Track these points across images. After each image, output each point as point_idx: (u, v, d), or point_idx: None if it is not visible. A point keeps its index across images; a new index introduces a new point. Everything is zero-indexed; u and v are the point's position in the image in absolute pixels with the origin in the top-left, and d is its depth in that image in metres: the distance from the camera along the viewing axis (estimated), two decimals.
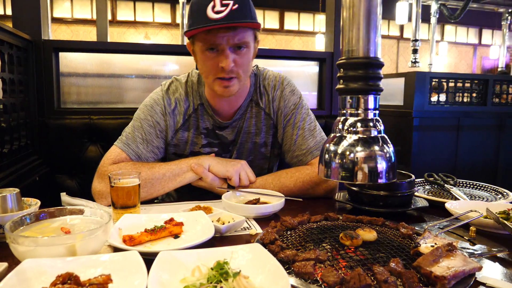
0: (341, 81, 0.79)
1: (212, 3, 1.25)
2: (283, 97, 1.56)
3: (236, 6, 1.25)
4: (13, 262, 0.80)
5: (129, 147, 1.44)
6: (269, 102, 1.57)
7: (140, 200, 1.20)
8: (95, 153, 1.99)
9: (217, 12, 1.24)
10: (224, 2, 1.25)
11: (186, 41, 1.46)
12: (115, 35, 8.91)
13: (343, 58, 0.78)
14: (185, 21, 4.47)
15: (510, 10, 5.90)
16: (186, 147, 1.55)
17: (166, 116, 1.50)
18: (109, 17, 8.14)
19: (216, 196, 1.41)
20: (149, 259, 0.76)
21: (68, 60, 2.14)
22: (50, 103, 2.03)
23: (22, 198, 1.07)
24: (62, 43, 2.14)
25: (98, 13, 3.69)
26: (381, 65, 0.77)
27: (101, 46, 2.30)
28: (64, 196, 1.25)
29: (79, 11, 8.71)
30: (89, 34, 8.76)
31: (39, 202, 1.09)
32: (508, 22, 6.04)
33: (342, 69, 0.79)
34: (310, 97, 2.57)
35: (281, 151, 1.62)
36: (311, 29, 10.16)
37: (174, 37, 9.34)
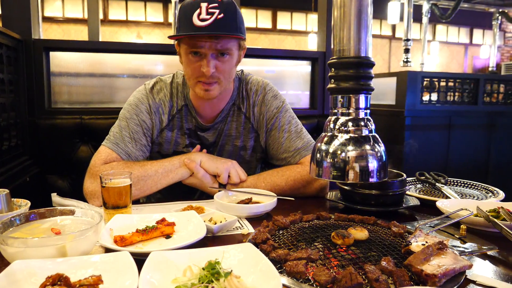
0: (332, 80, 0.79)
1: (198, 11, 1.28)
2: (264, 102, 1.58)
3: (221, 15, 1.28)
4: (3, 263, 0.79)
5: (119, 147, 1.44)
6: (250, 107, 1.59)
7: (133, 198, 1.20)
8: (86, 153, 1.97)
9: (202, 20, 1.27)
10: (210, 10, 1.28)
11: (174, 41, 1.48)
12: (107, 34, 8.85)
13: (334, 57, 0.78)
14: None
15: (500, 10, 5.96)
16: (170, 146, 1.56)
17: (151, 115, 1.51)
18: (101, 16, 8.09)
19: (208, 196, 1.41)
20: (140, 259, 0.76)
21: (59, 60, 2.12)
22: (41, 103, 2.01)
23: (12, 199, 1.06)
24: (53, 43, 2.12)
25: (90, 12, 3.66)
26: (372, 64, 0.77)
27: (92, 46, 2.28)
28: (55, 197, 1.25)
29: (71, 10, 8.63)
30: (80, 33, 8.69)
31: (29, 203, 1.09)
32: (499, 22, 6.10)
33: (333, 69, 0.79)
34: (302, 96, 2.58)
35: (267, 155, 1.64)
36: (304, 28, 10.17)
37: (166, 37, 9.28)
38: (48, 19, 8.50)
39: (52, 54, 2.09)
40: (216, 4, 1.29)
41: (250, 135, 1.60)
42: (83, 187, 1.38)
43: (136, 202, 1.42)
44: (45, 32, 8.47)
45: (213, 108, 1.55)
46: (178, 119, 1.55)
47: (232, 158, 1.55)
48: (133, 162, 1.41)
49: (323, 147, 0.79)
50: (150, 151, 1.55)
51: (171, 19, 8.72)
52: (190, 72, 1.39)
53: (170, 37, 1.37)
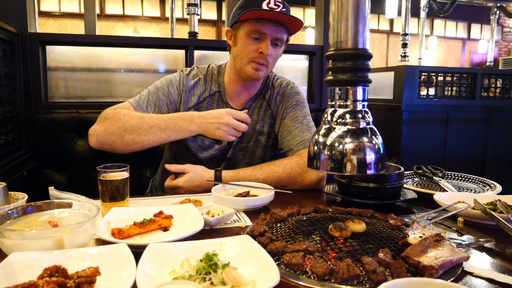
0: (330, 72, 0.79)
1: (267, 0, 1.45)
2: (287, 93, 1.71)
3: (284, 9, 1.48)
4: (0, 256, 0.79)
5: (139, 105, 1.51)
6: (273, 96, 1.72)
7: (127, 147, 1.37)
8: (83, 148, 1.97)
9: (271, 8, 1.45)
10: (277, 3, 1.47)
11: (224, 29, 1.67)
12: (103, 29, 8.80)
13: (331, 49, 0.78)
14: (174, 15, 4.43)
15: (498, 5, 5.94)
16: None
17: (181, 92, 1.61)
18: (98, 10, 8.04)
19: (206, 190, 1.42)
20: (138, 252, 0.76)
21: (56, 54, 2.11)
22: (38, 97, 2.01)
23: (9, 192, 1.06)
24: (49, 36, 2.10)
25: (86, 6, 3.63)
26: (369, 56, 0.77)
27: (89, 40, 2.27)
28: (52, 190, 1.24)
29: (67, 5, 8.58)
30: (77, 28, 8.64)
31: (26, 196, 1.08)
32: (497, 17, 6.08)
33: (331, 61, 0.78)
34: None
35: (277, 140, 1.71)
36: None
37: (163, 31, 9.26)
38: (44, 14, 8.45)
39: (49, 48, 2.08)
40: (280, 0, 1.48)
41: (268, 120, 1.70)
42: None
43: (135, 194, 1.41)
44: (42, 27, 8.42)
45: (246, 93, 1.67)
46: (209, 103, 1.64)
47: (251, 142, 1.67)
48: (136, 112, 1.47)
49: (321, 139, 0.79)
50: None
51: (168, 13, 8.69)
52: (247, 52, 1.52)
53: (241, 14, 1.47)
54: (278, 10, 1.45)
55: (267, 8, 1.44)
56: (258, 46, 1.50)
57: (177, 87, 1.60)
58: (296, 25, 1.52)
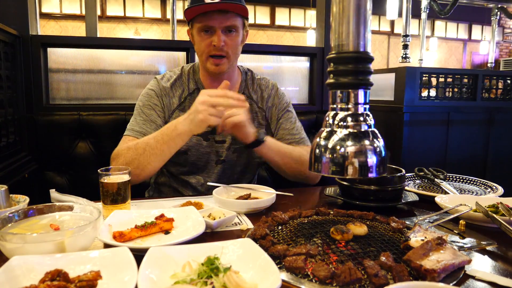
0: (331, 75, 0.79)
1: None
2: (277, 95, 1.74)
3: None
4: (1, 259, 0.79)
5: (133, 131, 1.52)
6: (262, 98, 1.72)
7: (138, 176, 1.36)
8: (84, 150, 1.97)
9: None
10: None
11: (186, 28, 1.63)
12: (104, 30, 8.81)
13: (333, 52, 0.78)
14: (176, 16, 4.43)
15: (499, 6, 5.93)
16: None
17: (161, 98, 1.60)
18: (99, 12, 8.05)
19: (207, 192, 1.41)
20: (139, 255, 0.76)
21: (57, 56, 2.11)
22: (39, 99, 2.01)
23: (11, 195, 1.06)
24: (50, 38, 2.11)
25: (87, 8, 3.63)
26: (371, 59, 0.77)
27: (90, 42, 2.27)
28: (53, 193, 1.24)
29: (68, 6, 8.59)
30: (78, 29, 8.65)
31: (27, 199, 1.08)
32: (498, 18, 6.07)
33: (332, 64, 0.78)
34: (300, 92, 2.57)
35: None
36: (302, 24, 10.13)
37: (164, 33, 9.26)
38: (45, 16, 8.46)
39: (50, 50, 2.08)
40: None
41: (263, 121, 1.71)
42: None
43: (136, 197, 1.41)
44: (43, 28, 8.43)
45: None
46: (190, 101, 1.61)
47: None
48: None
49: (322, 142, 0.79)
50: None
51: (169, 15, 8.68)
52: (202, 48, 1.52)
53: (185, 11, 1.50)
54: None
55: (209, 0, 1.42)
56: (211, 39, 1.49)
57: (156, 95, 1.59)
58: (243, 8, 1.50)
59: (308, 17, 10.08)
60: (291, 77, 2.55)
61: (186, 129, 1.33)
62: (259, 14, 9.87)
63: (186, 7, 1.51)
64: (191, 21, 1.54)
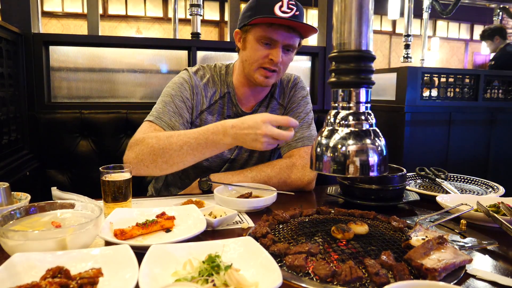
0: (333, 74, 0.79)
1: (280, 3, 1.39)
2: (295, 88, 1.69)
3: (298, 12, 1.41)
4: (3, 256, 0.79)
5: (162, 120, 1.43)
6: (282, 94, 1.69)
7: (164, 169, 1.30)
8: (86, 148, 1.97)
9: (283, 12, 1.38)
10: (290, 6, 1.40)
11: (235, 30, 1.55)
12: (106, 29, 8.82)
13: (335, 51, 0.78)
14: (177, 15, 4.43)
15: (501, 6, 5.93)
16: None
17: (194, 95, 1.53)
18: (100, 11, 8.06)
19: (208, 190, 1.41)
20: (140, 253, 0.76)
21: (59, 54, 2.11)
22: (41, 97, 2.01)
23: (12, 193, 1.06)
24: (52, 37, 2.11)
25: (89, 7, 3.64)
26: (373, 58, 0.77)
27: (92, 40, 2.27)
28: (54, 191, 1.24)
29: (70, 5, 8.60)
30: (80, 28, 8.66)
31: (29, 196, 1.09)
32: (500, 18, 6.07)
33: (334, 62, 0.78)
34: None
35: None
36: None
37: (166, 32, 9.27)
38: (47, 14, 8.47)
39: (52, 48, 2.08)
40: (294, 2, 1.41)
41: None
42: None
43: (138, 195, 1.41)
44: (45, 27, 8.44)
45: (255, 97, 1.62)
46: (220, 105, 1.59)
47: None
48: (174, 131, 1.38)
49: (324, 141, 0.79)
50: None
51: (171, 14, 8.70)
52: (256, 57, 1.46)
53: (252, 19, 1.40)
54: (291, 14, 1.38)
55: (280, 13, 1.37)
56: (269, 52, 1.44)
57: (190, 90, 1.52)
58: (309, 31, 1.47)
59: (310, 16, 10.07)
60: None
61: (234, 143, 1.27)
62: None
63: (247, 11, 1.45)
64: (250, 26, 1.46)
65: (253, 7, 1.45)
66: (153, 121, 1.43)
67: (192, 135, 1.29)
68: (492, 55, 5.04)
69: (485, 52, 9.30)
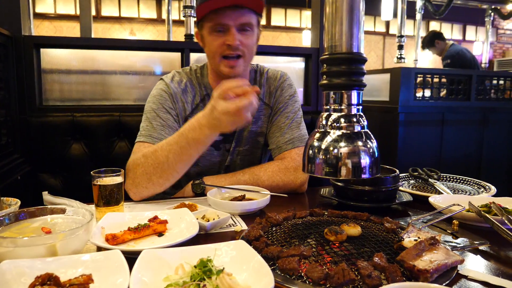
0: (324, 76, 0.79)
1: None
2: (281, 87, 1.63)
3: None
4: None
5: (152, 137, 1.40)
6: (269, 94, 1.63)
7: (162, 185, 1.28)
8: (78, 151, 1.96)
9: None
10: None
11: (193, 30, 1.54)
12: (99, 31, 8.77)
13: (326, 53, 0.78)
14: (171, 17, 4.42)
15: (493, 7, 5.98)
16: None
17: (175, 104, 1.49)
18: (93, 12, 8.02)
19: (201, 193, 1.40)
20: (132, 258, 0.75)
21: (50, 57, 2.10)
22: (32, 101, 1.99)
23: (2, 198, 1.05)
24: (44, 39, 2.09)
25: (82, 8, 3.62)
26: (364, 60, 0.77)
27: (84, 42, 2.26)
28: (46, 195, 1.23)
29: (62, 7, 8.55)
30: (73, 30, 8.60)
31: (19, 202, 1.07)
32: (491, 19, 6.12)
33: (325, 65, 0.78)
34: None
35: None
36: (298, 25, 10.14)
37: (160, 33, 9.24)
38: (39, 16, 8.41)
39: (43, 51, 2.06)
40: None
41: (267, 119, 1.62)
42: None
43: (130, 199, 1.40)
44: (37, 28, 8.38)
45: None
46: (202, 108, 1.50)
47: (249, 144, 1.60)
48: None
49: (315, 143, 0.79)
50: None
51: (164, 15, 8.67)
52: (215, 49, 1.40)
53: (196, 8, 1.39)
54: None
55: None
56: (224, 39, 1.38)
57: (170, 99, 1.49)
58: (259, 3, 1.38)
59: (304, 18, 10.09)
60: None
61: (212, 132, 1.22)
62: None
63: (197, 3, 1.41)
64: (200, 22, 1.43)
65: (197, 1, 1.42)
66: (144, 140, 1.41)
67: (172, 140, 1.26)
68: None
69: (477, 52, 9.37)
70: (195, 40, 1.55)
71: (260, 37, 1.51)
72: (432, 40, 5.17)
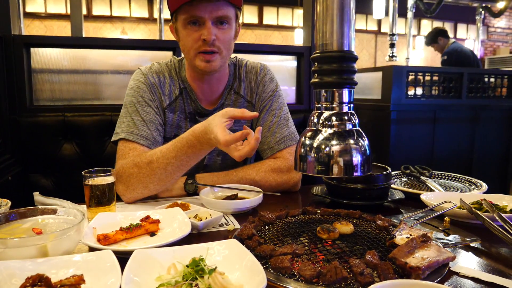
0: (316, 75, 0.79)
1: None
2: (262, 82, 1.57)
3: None
4: None
5: (134, 134, 1.37)
6: (250, 89, 1.57)
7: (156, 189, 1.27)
8: (70, 151, 1.94)
9: None
10: None
11: (168, 25, 1.47)
12: (90, 30, 8.71)
13: (317, 52, 0.78)
14: (163, 16, 4.40)
15: (484, 5, 6.03)
16: (172, 129, 1.51)
17: (153, 95, 1.45)
18: (84, 11, 7.96)
19: (193, 193, 1.39)
20: (124, 258, 0.75)
21: (41, 56, 2.07)
22: (22, 101, 1.97)
23: None
24: (34, 39, 2.08)
25: (73, 7, 3.58)
26: (355, 58, 0.77)
27: (75, 42, 2.24)
28: (37, 196, 1.22)
29: (53, 6, 8.46)
30: (63, 29, 8.53)
31: (9, 203, 1.06)
32: (482, 17, 6.18)
33: (316, 63, 0.78)
34: (288, 91, 2.57)
35: None
36: (290, 23, 10.14)
37: (151, 32, 9.19)
38: (30, 15, 8.32)
39: (33, 50, 2.04)
40: None
41: (249, 120, 1.56)
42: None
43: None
44: (27, 28, 8.30)
45: (211, 90, 1.51)
46: (180, 101, 1.50)
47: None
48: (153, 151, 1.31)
49: (307, 141, 0.79)
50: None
51: (156, 14, 8.62)
52: (190, 43, 1.35)
53: (168, 5, 1.34)
54: None
55: None
56: (199, 33, 1.31)
57: (148, 90, 1.44)
58: None
59: (296, 16, 10.10)
60: (279, 76, 2.51)
61: (211, 148, 1.25)
62: (247, 14, 9.85)
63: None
64: (175, 14, 1.37)
65: None
66: (126, 138, 1.37)
67: (170, 155, 1.24)
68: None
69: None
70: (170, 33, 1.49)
71: (239, 32, 1.46)
72: (436, 37, 5.23)
